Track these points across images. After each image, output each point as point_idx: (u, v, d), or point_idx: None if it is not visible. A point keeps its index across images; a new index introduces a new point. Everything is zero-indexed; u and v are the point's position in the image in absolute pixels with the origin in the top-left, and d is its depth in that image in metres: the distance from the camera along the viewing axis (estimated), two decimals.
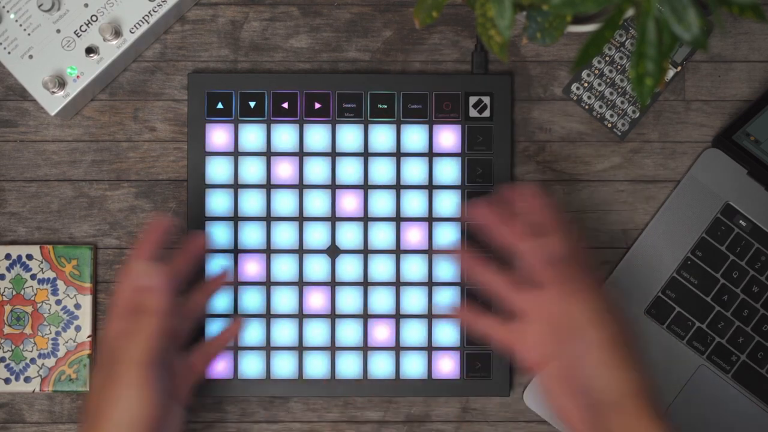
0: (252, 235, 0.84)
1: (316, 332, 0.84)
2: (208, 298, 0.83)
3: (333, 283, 0.84)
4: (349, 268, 0.84)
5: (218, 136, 0.84)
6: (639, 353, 0.73)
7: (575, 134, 0.86)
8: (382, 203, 0.84)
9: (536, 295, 0.74)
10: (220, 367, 0.83)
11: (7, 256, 0.84)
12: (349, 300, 0.84)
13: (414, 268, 0.84)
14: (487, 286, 0.77)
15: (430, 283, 0.84)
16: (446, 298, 0.84)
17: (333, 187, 0.84)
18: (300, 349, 0.84)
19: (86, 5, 0.82)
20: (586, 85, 0.86)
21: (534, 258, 0.75)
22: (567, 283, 0.74)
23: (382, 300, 0.84)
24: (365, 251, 0.84)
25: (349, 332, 0.84)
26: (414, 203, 0.84)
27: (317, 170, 0.84)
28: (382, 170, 0.84)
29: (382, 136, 0.84)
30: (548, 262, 0.74)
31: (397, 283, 0.84)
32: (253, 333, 0.84)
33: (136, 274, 0.76)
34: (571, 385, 0.73)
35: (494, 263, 0.77)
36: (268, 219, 0.84)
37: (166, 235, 0.79)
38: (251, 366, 0.84)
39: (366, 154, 0.84)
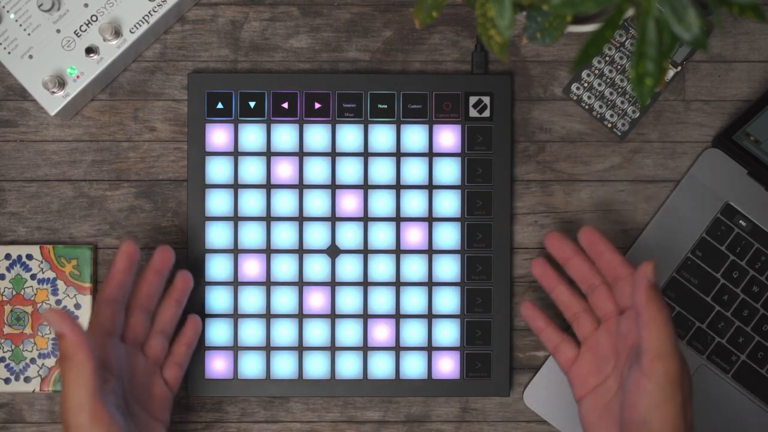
0: (252, 235, 0.84)
1: (316, 332, 0.84)
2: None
3: (333, 283, 0.84)
4: (349, 268, 0.84)
5: (218, 136, 0.84)
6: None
7: (575, 134, 0.86)
8: (382, 203, 0.84)
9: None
10: (221, 367, 0.83)
11: (7, 256, 0.84)
12: (349, 300, 0.84)
13: (414, 268, 0.84)
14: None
15: (430, 283, 0.84)
16: (447, 298, 0.84)
17: (333, 187, 0.84)
18: (300, 349, 0.84)
19: (86, 5, 0.82)
20: (586, 85, 0.86)
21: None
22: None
23: (382, 300, 0.84)
24: (365, 251, 0.84)
25: (349, 332, 0.84)
26: (414, 203, 0.84)
27: (317, 170, 0.84)
28: (382, 170, 0.84)
29: (382, 136, 0.84)
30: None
31: (397, 283, 0.84)
32: (253, 333, 0.84)
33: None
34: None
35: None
36: (268, 219, 0.84)
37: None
38: (251, 366, 0.84)
39: (366, 154, 0.84)
